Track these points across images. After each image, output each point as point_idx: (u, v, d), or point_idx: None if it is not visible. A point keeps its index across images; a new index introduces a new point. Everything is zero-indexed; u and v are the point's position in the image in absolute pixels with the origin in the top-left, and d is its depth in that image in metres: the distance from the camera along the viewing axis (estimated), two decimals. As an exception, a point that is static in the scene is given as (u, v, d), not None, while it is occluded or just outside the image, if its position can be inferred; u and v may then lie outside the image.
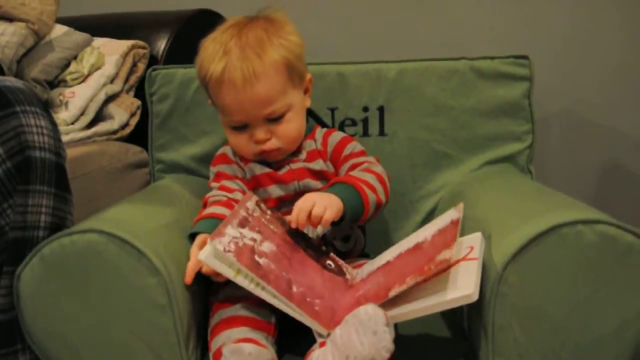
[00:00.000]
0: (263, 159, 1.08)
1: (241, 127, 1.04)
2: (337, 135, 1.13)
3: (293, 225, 0.95)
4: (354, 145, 1.12)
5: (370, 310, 0.77)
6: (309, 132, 1.13)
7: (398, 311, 0.81)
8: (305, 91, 1.10)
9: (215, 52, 1.01)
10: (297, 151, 1.10)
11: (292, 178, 1.07)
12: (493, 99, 1.21)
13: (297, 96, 1.06)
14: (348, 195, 0.97)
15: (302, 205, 0.94)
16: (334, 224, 0.96)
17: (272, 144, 1.05)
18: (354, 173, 1.04)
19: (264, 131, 1.03)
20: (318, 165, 1.09)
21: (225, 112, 1.04)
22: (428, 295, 0.80)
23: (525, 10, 1.72)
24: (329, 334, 0.83)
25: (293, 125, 1.05)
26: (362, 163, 1.08)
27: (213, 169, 1.12)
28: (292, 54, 1.03)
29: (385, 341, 0.76)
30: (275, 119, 1.03)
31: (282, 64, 1.01)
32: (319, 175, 1.09)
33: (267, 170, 1.08)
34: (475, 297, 0.77)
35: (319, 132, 1.14)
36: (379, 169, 1.07)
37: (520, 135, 1.22)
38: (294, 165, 1.08)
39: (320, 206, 0.92)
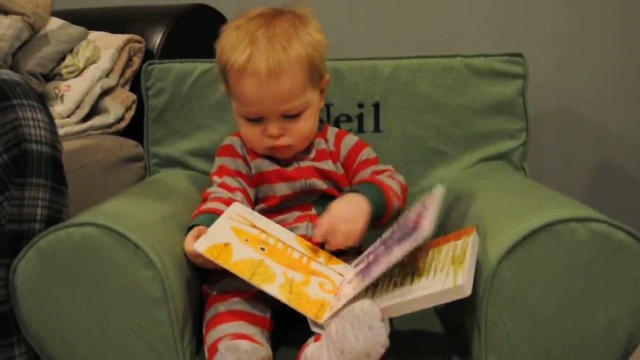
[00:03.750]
0: (272, 154, 1.07)
1: (256, 120, 1.03)
2: (351, 139, 1.13)
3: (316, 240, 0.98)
4: (369, 152, 1.12)
5: (365, 306, 0.78)
6: (319, 131, 1.12)
7: (391, 303, 0.81)
8: (321, 91, 1.09)
9: (240, 39, 0.99)
10: (307, 149, 1.09)
11: (300, 176, 1.07)
12: (487, 97, 1.21)
13: (314, 95, 1.05)
14: (376, 198, 0.98)
15: (332, 239, 0.96)
16: None
17: (285, 140, 1.04)
18: (381, 178, 1.05)
19: (278, 127, 1.02)
20: (327, 165, 1.09)
21: (243, 102, 1.02)
22: (421, 288, 0.81)
23: (520, 9, 1.72)
24: (322, 326, 0.84)
25: (308, 124, 1.05)
26: (384, 171, 1.08)
27: (217, 160, 1.11)
28: (317, 52, 1.02)
29: (381, 336, 0.76)
30: (291, 116, 1.02)
31: (307, 60, 1.00)
32: (326, 175, 1.08)
33: (275, 167, 1.07)
34: (468, 292, 0.78)
35: (331, 131, 1.14)
36: (401, 178, 1.08)
37: (514, 132, 1.23)
38: (302, 163, 1.08)
39: (343, 234, 0.95)
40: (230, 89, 1.05)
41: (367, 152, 1.12)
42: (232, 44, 1.00)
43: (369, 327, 0.77)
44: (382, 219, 1.01)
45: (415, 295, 0.80)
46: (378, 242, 0.98)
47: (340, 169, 1.10)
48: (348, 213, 0.96)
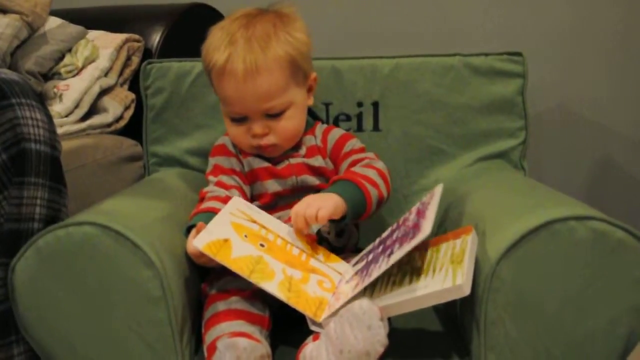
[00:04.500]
0: (259, 153, 1.08)
1: (240, 119, 1.04)
2: (336, 133, 1.13)
3: (295, 231, 0.97)
4: (354, 143, 1.12)
5: (364, 305, 0.78)
6: (310, 128, 1.13)
7: (390, 302, 0.81)
8: (309, 89, 1.09)
9: (221, 40, 1.01)
10: (297, 146, 1.10)
11: (290, 173, 1.07)
12: (487, 95, 1.22)
13: (299, 94, 1.06)
14: (349, 192, 0.97)
15: (297, 210, 0.95)
16: (337, 222, 0.97)
17: (269, 139, 1.04)
18: (355, 169, 1.05)
19: (261, 126, 1.03)
20: (317, 161, 1.09)
21: (226, 102, 1.04)
22: (420, 287, 0.81)
23: (519, 7, 1.72)
24: (321, 324, 0.84)
25: (292, 122, 1.05)
26: (362, 159, 1.08)
27: (211, 160, 1.12)
28: (298, 51, 1.02)
29: (380, 336, 0.76)
30: (274, 115, 1.03)
31: (286, 60, 1.01)
32: (317, 171, 1.09)
33: (266, 164, 1.08)
34: (467, 291, 0.78)
35: (319, 128, 1.14)
36: (379, 164, 1.07)
37: (514, 131, 1.23)
38: (293, 160, 1.08)
39: (313, 207, 0.93)
40: (215, 89, 1.06)
41: (352, 143, 1.12)
42: (214, 45, 1.02)
43: (367, 326, 0.77)
44: (364, 212, 1.00)
45: (414, 295, 0.80)
46: (377, 241, 0.97)
47: (330, 164, 1.11)
48: (318, 199, 0.95)
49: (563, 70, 1.74)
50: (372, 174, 1.03)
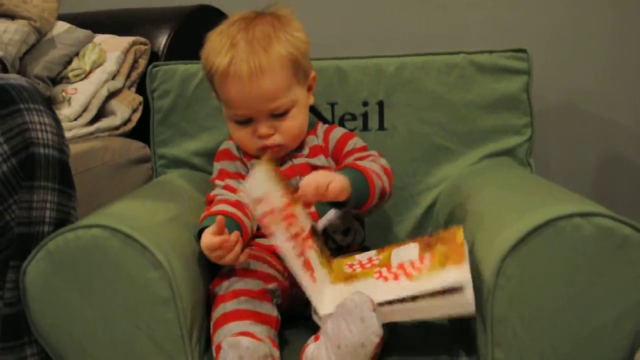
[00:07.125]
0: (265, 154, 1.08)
1: (245, 122, 1.05)
2: (338, 132, 1.14)
3: (301, 201, 0.94)
4: (356, 141, 1.13)
5: (356, 298, 0.79)
6: (311, 128, 1.14)
7: (388, 297, 0.82)
8: (309, 89, 1.10)
9: (222, 44, 1.01)
10: (300, 147, 1.10)
11: (294, 173, 1.08)
12: (492, 93, 1.22)
13: (301, 93, 1.06)
14: (355, 178, 0.97)
15: (308, 179, 0.93)
16: (340, 206, 0.96)
17: (275, 139, 1.05)
18: (360, 162, 1.05)
19: (267, 126, 1.04)
20: (320, 161, 1.10)
21: (230, 106, 1.04)
22: (419, 285, 0.81)
23: (523, 4, 1.72)
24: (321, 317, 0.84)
25: (296, 121, 1.06)
26: (366, 157, 1.08)
27: (216, 165, 1.13)
28: (298, 50, 1.03)
29: (374, 326, 0.77)
30: (279, 115, 1.04)
31: (288, 59, 1.02)
32: None
33: None
34: (468, 289, 0.78)
35: (321, 128, 1.15)
36: (382, 161, 1.08)
37: (520, 128, 1.23)
38: (296, 161, 1.09)
39: (325, 178, 0.92)
40: (217, 94, 1.07)
41: (354, 142, 1.12)
42: (214, 49, 1.02)
43: (360, 318, 0.77)
44: (366, 201, 1.00)
45: (413, 292, 0.80)
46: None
47: (332, 163, 1.11)
48: (330, 174, 0.95)
49: (569, 66, 1.73)
50: (376, 167, 1.03)
